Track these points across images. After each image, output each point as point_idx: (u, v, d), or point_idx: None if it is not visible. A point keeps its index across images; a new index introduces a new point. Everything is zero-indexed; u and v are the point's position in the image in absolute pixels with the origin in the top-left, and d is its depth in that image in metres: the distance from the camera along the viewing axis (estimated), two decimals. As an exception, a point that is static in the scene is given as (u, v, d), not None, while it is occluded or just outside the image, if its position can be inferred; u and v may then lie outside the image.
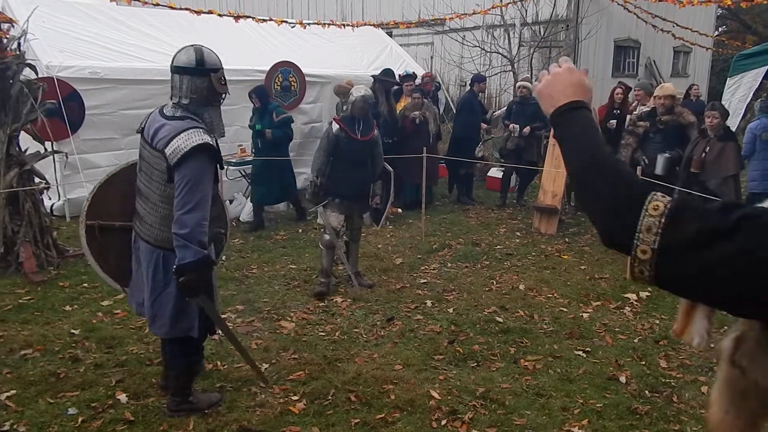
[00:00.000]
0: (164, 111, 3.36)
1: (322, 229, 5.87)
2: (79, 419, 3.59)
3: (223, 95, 3.45)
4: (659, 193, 1.09)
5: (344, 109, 8.14)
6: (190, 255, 3.11)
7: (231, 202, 8.70)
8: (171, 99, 3.38)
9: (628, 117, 8.15)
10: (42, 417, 3.61)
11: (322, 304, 5.52)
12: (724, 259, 1.00)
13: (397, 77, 9.66)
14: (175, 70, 3.33)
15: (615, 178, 1.16)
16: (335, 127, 5.73)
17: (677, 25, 16.26)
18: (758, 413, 1.16)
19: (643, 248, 1.06)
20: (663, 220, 1.05)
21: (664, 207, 1.06)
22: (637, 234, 1.06)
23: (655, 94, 7.33)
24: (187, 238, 3.10)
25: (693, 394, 4.07)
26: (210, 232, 3.35)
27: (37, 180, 6.43)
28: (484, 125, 10.17)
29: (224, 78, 3.42)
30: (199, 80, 3.30)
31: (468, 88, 10.64)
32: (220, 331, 3.74)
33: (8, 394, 3.84)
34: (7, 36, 6.22)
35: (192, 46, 3.39)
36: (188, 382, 3.68)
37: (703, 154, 6.49)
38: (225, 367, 4.25)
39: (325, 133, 5.90)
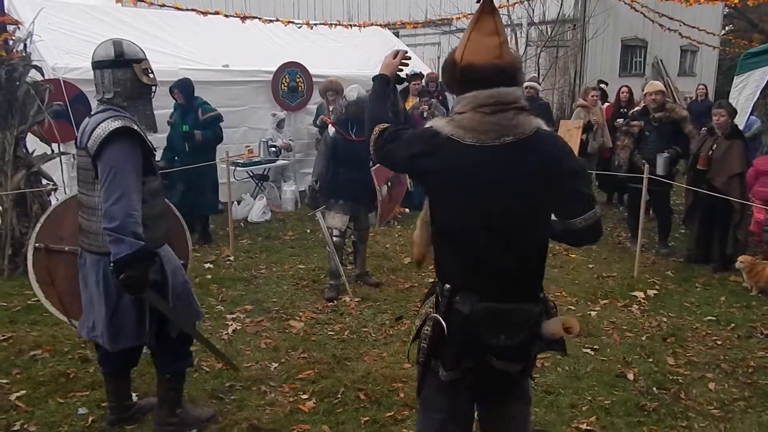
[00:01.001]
0: (90, 112, 3.19)
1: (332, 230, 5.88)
2: (90, 419, 3.60)
3: (153, 88, 3.24)
4: (385, 123, 2.31)
5: (330, 109, 8.17)
6: (126, 248, 2.85)
7: (239, 203, 8.73)
8: (95, 98, 3.20)
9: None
10: (52, 417, 3.63)
11: (331, 303, 5.54)
12: (390, 150, 2.27)
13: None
14: (95, 65, 3.12)
15: (377, 114, 2.38)
16: (331, 130, 5.78)
17: (684, 24, 16.18)
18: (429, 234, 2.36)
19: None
20: (379, 133, 2.29)
21: (381, 128, 2.30)
22: (369, 139, 2.36)
23: (645, 92, 7.26)
24: (118, 231, 2.84)
25: (700, 390, 4.06)
26: (157, 232, 3.16)
27: (44, 181, 6.46)
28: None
29: (150, 69, 3.21)
30: (121, 72, 3.09)
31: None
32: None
33: (18, 394, 3.86)
34: (13, 38, 6.25)
35: (111, 39, 3.19)
36: (178, 390, 3.49)
37: (710, 152, 6.46)
38: (234, 366, 4.26)
39: (323, 138, 5.98)
